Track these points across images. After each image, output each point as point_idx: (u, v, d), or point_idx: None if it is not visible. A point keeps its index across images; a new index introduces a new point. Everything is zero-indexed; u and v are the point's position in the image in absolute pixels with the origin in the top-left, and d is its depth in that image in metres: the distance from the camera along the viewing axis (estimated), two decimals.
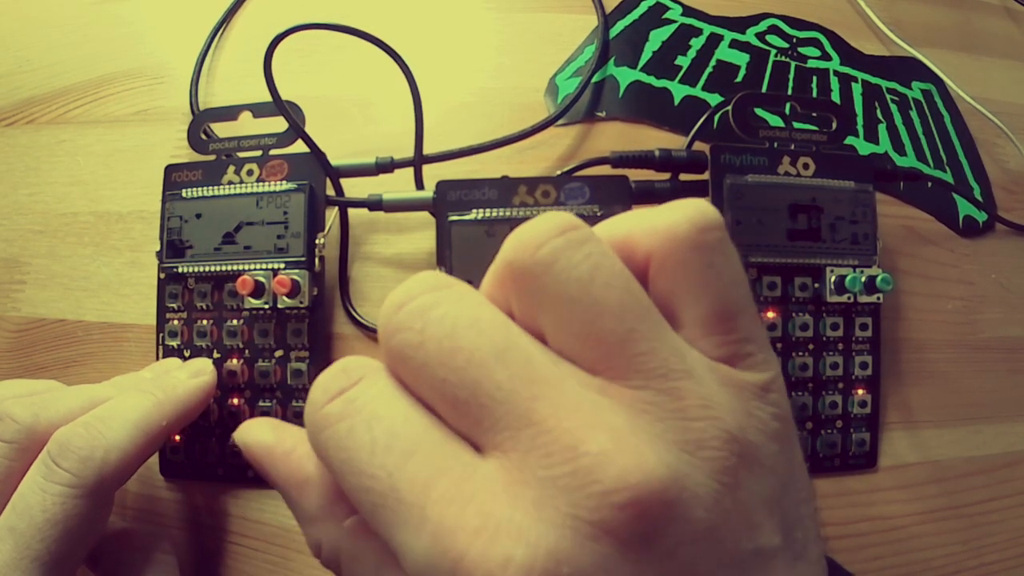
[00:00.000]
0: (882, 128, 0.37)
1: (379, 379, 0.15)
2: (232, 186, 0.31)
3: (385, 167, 0.32)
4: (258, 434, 0.19)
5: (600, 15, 0.37)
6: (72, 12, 0.39)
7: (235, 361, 0.30)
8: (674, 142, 0.34)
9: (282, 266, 0.29)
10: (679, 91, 0.36)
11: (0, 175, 0.36)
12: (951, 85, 0.39)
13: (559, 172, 0.33)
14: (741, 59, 0.38)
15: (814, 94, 0.37)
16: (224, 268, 0.30)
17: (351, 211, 0.32)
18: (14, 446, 0.23)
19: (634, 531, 0.12)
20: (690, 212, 0.15)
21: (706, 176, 0.31)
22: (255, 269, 0.29)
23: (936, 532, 0.31)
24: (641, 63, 0.37)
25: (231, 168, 0.31)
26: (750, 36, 0.38)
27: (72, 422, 0.23)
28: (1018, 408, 0.34)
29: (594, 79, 0.36)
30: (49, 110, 0.37)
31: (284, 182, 0.30)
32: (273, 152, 0.31)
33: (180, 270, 0.30)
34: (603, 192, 0.30)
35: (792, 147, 0.31)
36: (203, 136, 0.33)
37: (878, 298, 0.31)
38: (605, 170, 0.32)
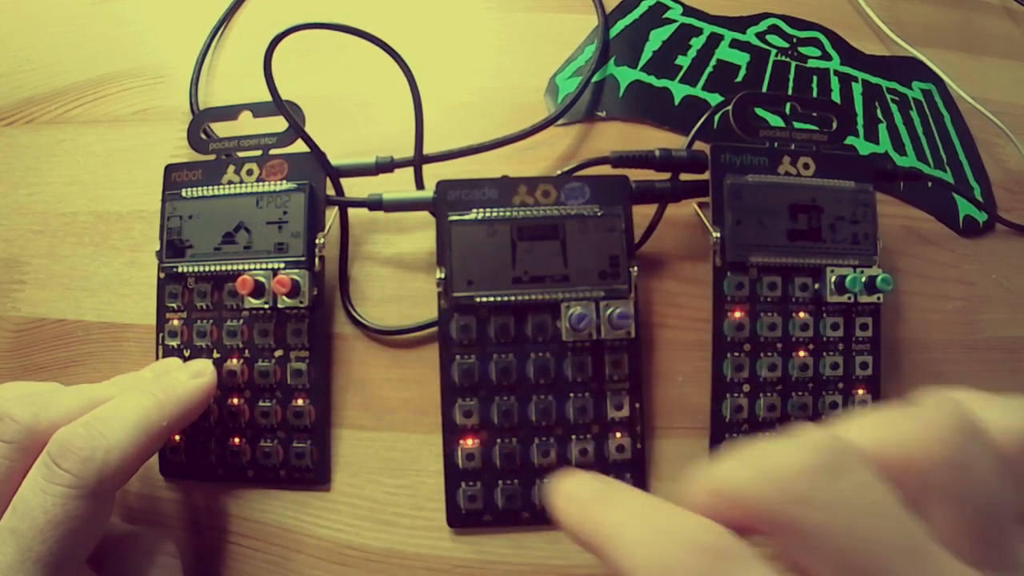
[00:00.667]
0: (882, 128, 0.37)
1: (753, 562, 0.13)
2: (232, 186, 0.31)
3: (385, 167, 0.32)
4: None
5: (600, 15, 0.37)
6: (72, 12, 0.39)
7: (235, 361, 0.30)
8: (674, 142, 0.34)
9: (282, 266, 0.29)
10: (679, 91, 0.36)
11: (0, 175, 0.36)
12: (951, 85, 0.39)
13: (559, 172, 0.32)
14: (741, 59, 0.38)
15: (814, 94, 0.37)
16: (224, 268, 0.30)
17: (351, 211, 0.32)
18: (14, 446, 0.22)
19: None
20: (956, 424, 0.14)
21: (706, 176, 0.31)
22: (255, 269, 0.29)
23: None
24: (641, 63, 0.37)
25: (231, 168, 0.31)
26: (750, 36, 0.38)
27: (72, 422, 0.23)
28: None
29: (594, 79, 0.36)
30: (49, 110, 0.37)
31: (284, 182, 0.30)
32: (273, 152, 0.31)
33: (180, 270, 0.30)
34: (603, 192, 0.30)
35: (792, 147, 0.31)
36: (203, 136, 0.33)
37: (878, 298, 0.31)
38: (605, 170, 0.32)
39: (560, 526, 0.16)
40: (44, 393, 0.25)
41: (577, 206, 0.29)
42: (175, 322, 0.31)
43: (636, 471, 0.29)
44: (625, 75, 0.36)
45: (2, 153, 0.36)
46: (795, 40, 0.39)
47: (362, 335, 0.32)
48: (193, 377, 0.28)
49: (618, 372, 0.29)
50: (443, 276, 0.29)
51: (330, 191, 0.31)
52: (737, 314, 0.30)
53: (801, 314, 0.31)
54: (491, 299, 0.29)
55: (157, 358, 0.31)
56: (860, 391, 0.31)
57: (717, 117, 0.35)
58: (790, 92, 0.37)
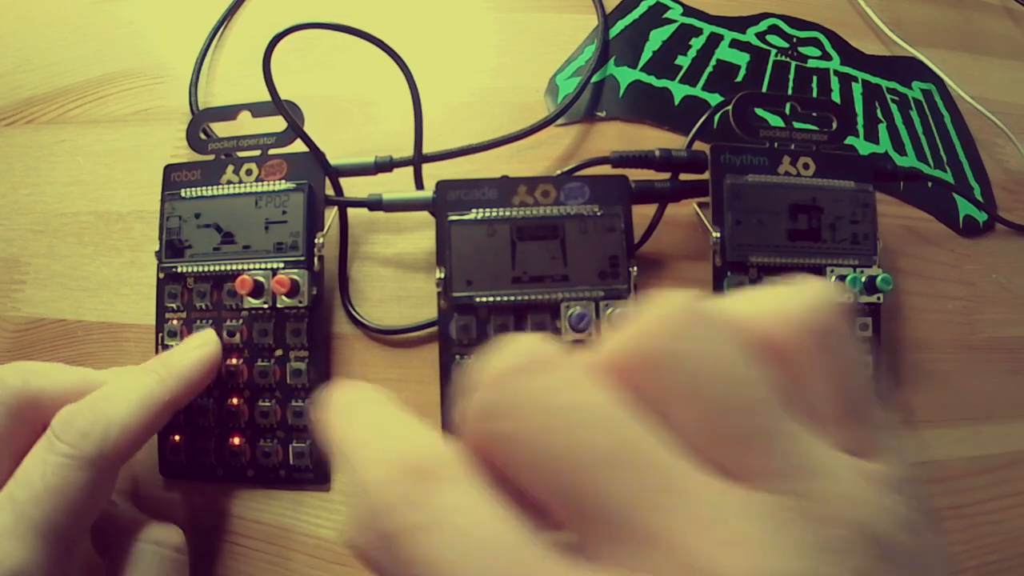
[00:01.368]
0: (882, 128, 0.37)
1: (465, 480, 0.12)
2: (231, 186, 0.30)
3: (384, 166, 0.32)
4: None
5: (600, 15, 0.37)
6: (72, 12, 0.39)
7: (235, 361, 0.30)
8: (674, 142, 0.34)
9: (281, 265, 0.29)
10: (679, 91, 0.36)
11: (0, 175, 0.36)
12: (951, 85, 0.39)
13: (559, 172, 0.32)
14: (741, 59, 0.38)
15: (814, 94, 0.37)
16: (223, 268, 0.30)
17: (350, 211, 0.32)
18: (3, 408, 0.23)
19: None
20: (818, 297, 0.14)
21: (706, 176, 0.31)
22: (254, 269, 0.29)
23: None
24: (641, 63, 0.37)
25: (230, 168, 0.31)
26: (750, 36, 0.38)
27: (77, 402, 0.24)
28: (1018, 408, 0.34)
29: (594, 79, 0.36)
30: (49, 110, 0.37)
31: (283, 181, 0.30)
32: (272, 152, 0.31)
33: (179, 270, 0.30)
34: (603, 191, 0.30)
35: (793, 147, 0.31)
36: (202, 136, 0.33)
37: (878, 298, 0.31)
38: (605, 170, 0.32)
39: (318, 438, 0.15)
40: (40, 365, 0.26)
41: (577, 206, 0.29)
42: (175, 322, 0.31)
43: None
44: (625, 75, 0.36)
45: (2, 153, 0.36)
46: (795, 40, 0.39)
47: (362, 335, 0.32)
48: (197, 348, 0.28)
49: None
50: (443, 276, 0.29)
51: (329, 191, 0.31)
52: None
53: None
54: (491, 299, 0.29)
55: None
56: None
57: (717, 117, 0.35)
58: (790, 92, 0.37)
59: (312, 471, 0.30)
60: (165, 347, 0.31)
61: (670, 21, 0.38)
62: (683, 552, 0.11)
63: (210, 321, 0.30)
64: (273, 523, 0.30)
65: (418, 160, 0.32)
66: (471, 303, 0.29)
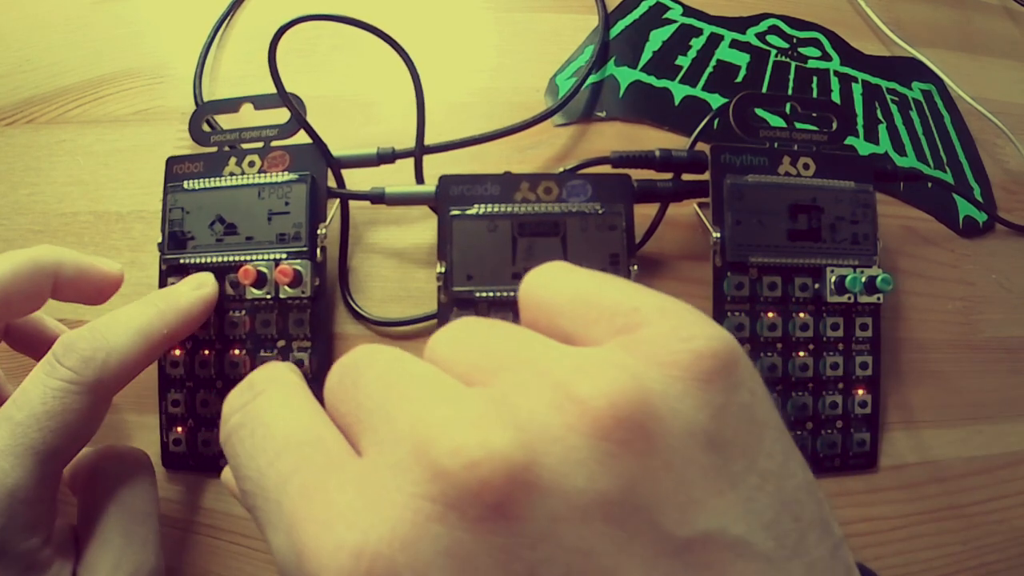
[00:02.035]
0: (882, 128, 0.37)
1: (277, 390, 0.16)
2: (234, 177, 0.30)
3: (386, 157, 0.32)
4: None
5: (600, 15, 0.37)
6: (72, 12, 0.39)
7: (237, 351, 0.30)
8: (674, 142, 0.34)
9: (284, 256, 0.29)
10: (679, 91, 0.36)
11: (0, 175, 0.36)
12: (951, 85, 0.39)
13: (560, 170, 0.32)
14: (741, 59, 0.38)
15: (814, 94, 0.37)
16: (226, 259, 0.30)
17: (352, 203, 0.32)
18: (28, 253, 0.25)
19: (484, 505, 0.11)
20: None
21: (706, 176, 0.31)
22: (257, 259, 0.29)
23: (936, 532, 0.31)
24: (641, 63, 0.37)
25: (232, 159, 0.31)
26: (750, 36, 0.38)
27: (78, 328, 0.24)
28: (1018, 408, 0.34)
29: (595, 79, 0.36)
30: (49, 110, 0.37)
31: (286, 173, 0.30)
32: (275, 143, 0.31)
33: (182, 261, 0.30)
34: (605, 190, 0.30)
35: (792, 147, 0.31)
36: (205, 128, 0.33)
37: (878, 298, 0.31)
38: (606, 170, 0.32)
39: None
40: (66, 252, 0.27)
41: (578, 203, 0.29)
42: None
43: None
44: (625, 75, 0.36)
45: (2, 153, 0.36)
46: (795, 40, 0.39)
47: (362, 328, 0.32)
48: (194, 289, 0.28)
49: None
50: (443, 270, 0.29)
51: (331, 184, 0.31)
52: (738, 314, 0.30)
53: (801, 314, 0.31)
54: (490, 294, 0.29)
55: None
56: (860, 391, 0.31)
57: (717, 120, 0.35)
58: (790, 92, 0.37)
59: None
60: None
61: (670, 21, 0.38)
62: (401, 420, 0.13)
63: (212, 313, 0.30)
64: None
65: (420, 151, 0.32)
66: (471, 297, 0.29)
